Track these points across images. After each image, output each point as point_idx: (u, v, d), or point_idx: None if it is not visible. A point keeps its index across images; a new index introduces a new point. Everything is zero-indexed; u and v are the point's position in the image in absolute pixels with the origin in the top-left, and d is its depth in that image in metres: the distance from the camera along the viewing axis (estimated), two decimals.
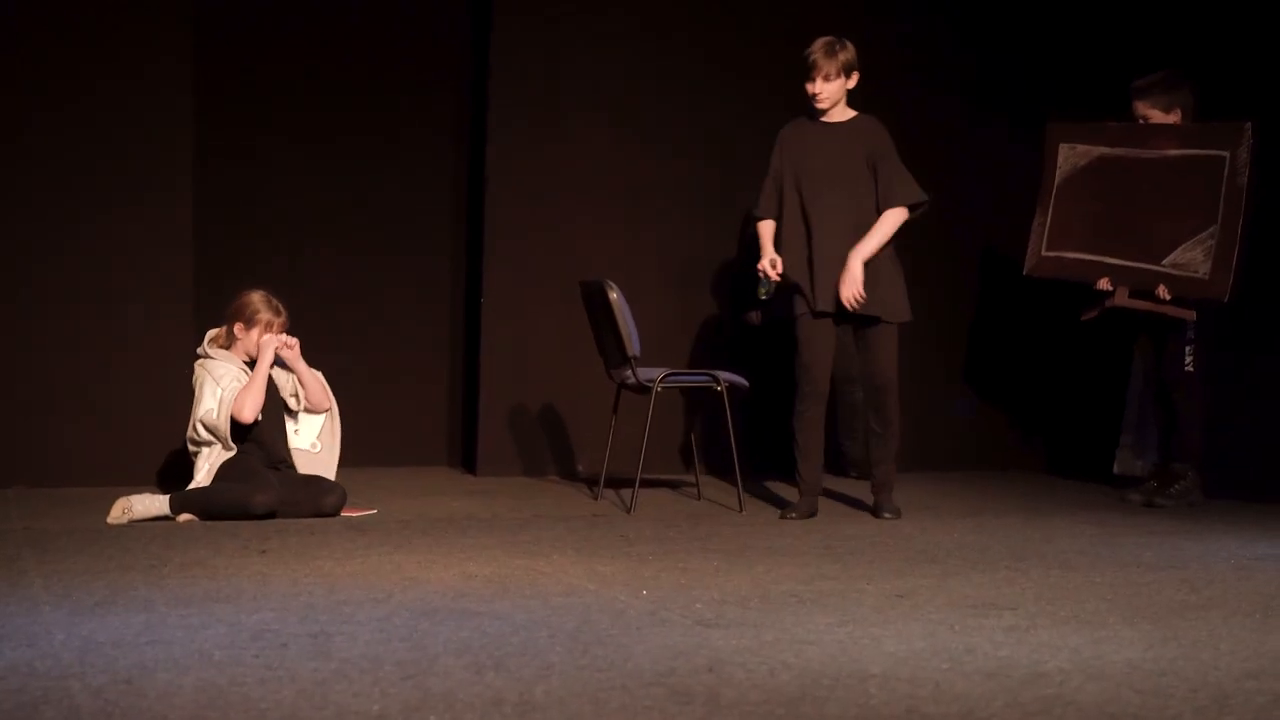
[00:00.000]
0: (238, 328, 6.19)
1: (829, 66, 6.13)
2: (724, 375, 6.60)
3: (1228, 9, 7.49)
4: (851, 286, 6.10)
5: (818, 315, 6.20)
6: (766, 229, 6.29)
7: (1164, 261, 6.74)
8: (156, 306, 6.92)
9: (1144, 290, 6.77)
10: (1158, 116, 6.80)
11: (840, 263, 6.12)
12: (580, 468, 7.57)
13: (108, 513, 5.94)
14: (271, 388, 6.21)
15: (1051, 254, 7.10)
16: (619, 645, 3.83)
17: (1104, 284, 6.85)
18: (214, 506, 5.95)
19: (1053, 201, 7.11)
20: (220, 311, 6.34)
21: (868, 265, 6.14)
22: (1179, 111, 6.80)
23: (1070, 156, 7.08)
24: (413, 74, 7.68)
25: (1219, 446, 7.08)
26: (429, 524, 5.94)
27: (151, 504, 5.98)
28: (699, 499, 6.85)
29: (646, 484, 6.67)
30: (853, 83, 6.21)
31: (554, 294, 7.36)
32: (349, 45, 7.51)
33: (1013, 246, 7.39)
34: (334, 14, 7.50)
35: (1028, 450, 8.22)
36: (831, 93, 6.16)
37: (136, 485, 6.61)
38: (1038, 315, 8.02)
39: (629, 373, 6.51)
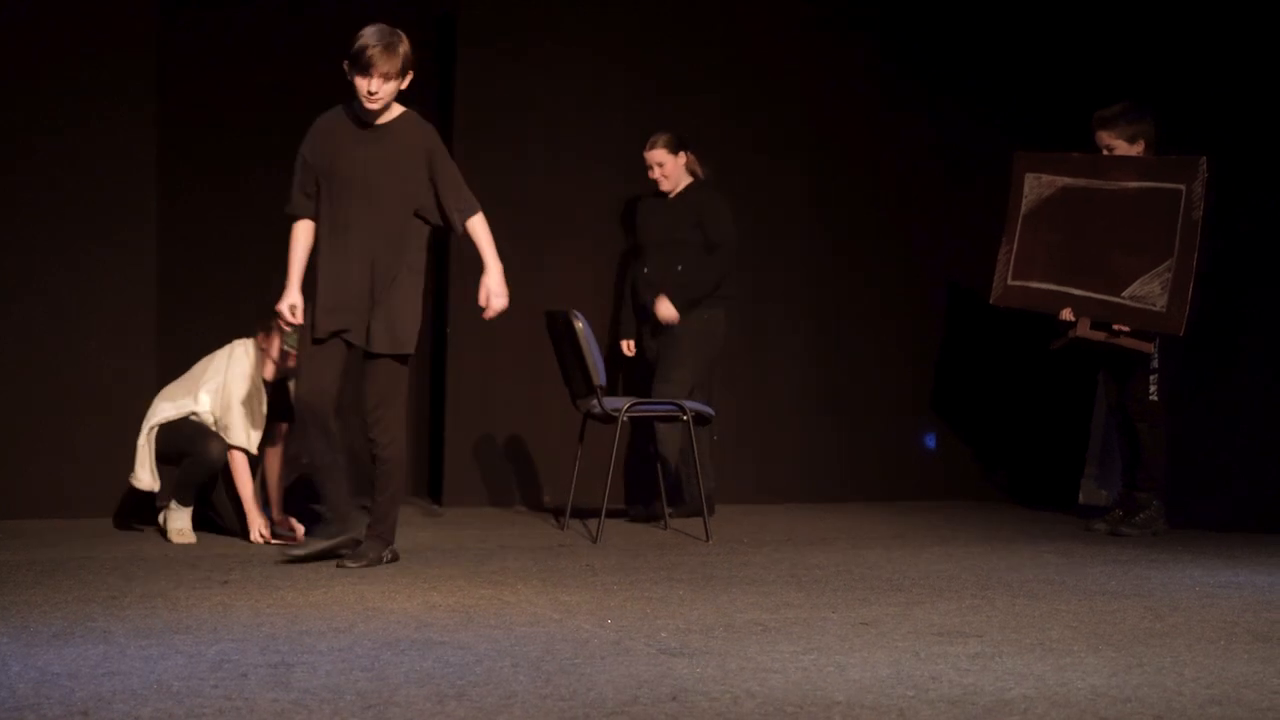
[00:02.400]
0: (260, 337, 6.26)
1: (389, 65, 5.33)
2: (690, 404, 6.59)
3: (1184, 43, 7.55)
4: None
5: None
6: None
7: (1124, 294, 6.78)
8: (119, 340, 6.86)
9: (1105, 321, 6.80)
10: (1122, 147, 6.84)
11: None
12: (546, 498, 7.55)
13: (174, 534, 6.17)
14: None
15: (1017, 284, 7.13)
16: (582, 675, 3.81)
17: (1067, 314, 6.88)
18: (186, 478, 6.13)
19: (1018, 231, 7.15)
20: (182, 346, 6.33)
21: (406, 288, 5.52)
22: (1142, 143, 6.85)
23: (1036, 186, 7.12)
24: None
25: (1182, 476, 7.11)
26: None
27: (175, 517, 6.19)
28: (665, 529, 6.83)
29: (612, 514, 6.65)
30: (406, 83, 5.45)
31: (520, 324, 7.34)
32: (311, 75, 7.46)
33: (979, 276, 7.42)
34: (298, 46, 7.47)
35: (993, 480, 8.24)
36: (389, 93, 5.40)
37: (96, 517, 6.59)
38: (1003, 345, 8.05)
39: (595, 402, 6.50)
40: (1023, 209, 7.16)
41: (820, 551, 6.23)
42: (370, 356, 5.47)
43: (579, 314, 6.47)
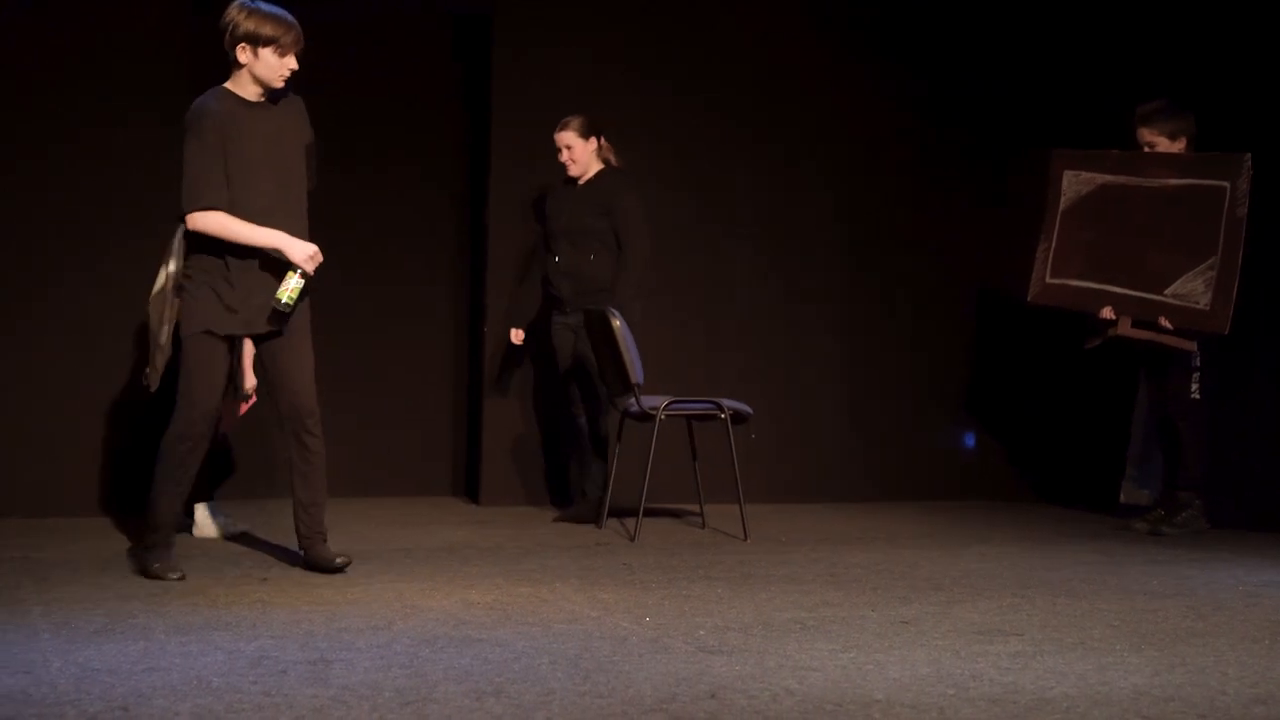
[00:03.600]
0: None
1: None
2: (727, 403, 6.58)
3: (1224, 41, 7.49)
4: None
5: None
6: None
7: (1166, 291, 6.72)
8: (145, 340, 6.86)
9: (1146, 319, 6.75)
10: (1163, 144, 6.79)
11: None
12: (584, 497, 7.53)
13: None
14: None
15: (1055, 282, 7.08)
16: (620, 672, 3.80)
17: (1107, 313, 6.84)
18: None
19: (1056, 229, 7.10)
20: None
21: None
22: (1183, 139, 6.80)
23: (1074, 183, 7.08)
24: (413, 104, 7.69)
25: (1223, 475, 7.05)
26: (430, 552, 5.90)
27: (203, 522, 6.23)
28: (703, 527, 6.82)
29: (650, 512, 6.64)
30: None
31: None
32: (346, 73, 7.48)
33: (1014, 274, 7.38)
34: (332, 41, 7.48)
35: (1032, 480, 8.18)
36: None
37: (133, 515, 6.62)
38: (1040, 344, 8.00)
39: (632, 401, 6.49)
40: (1061, 206, 7.11)
41: (858, 550, 6.20)
42: (270, 338, 5.24)
43: (616, 312, 6.46)
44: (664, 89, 7.76)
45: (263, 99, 5.24)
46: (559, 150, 6.88)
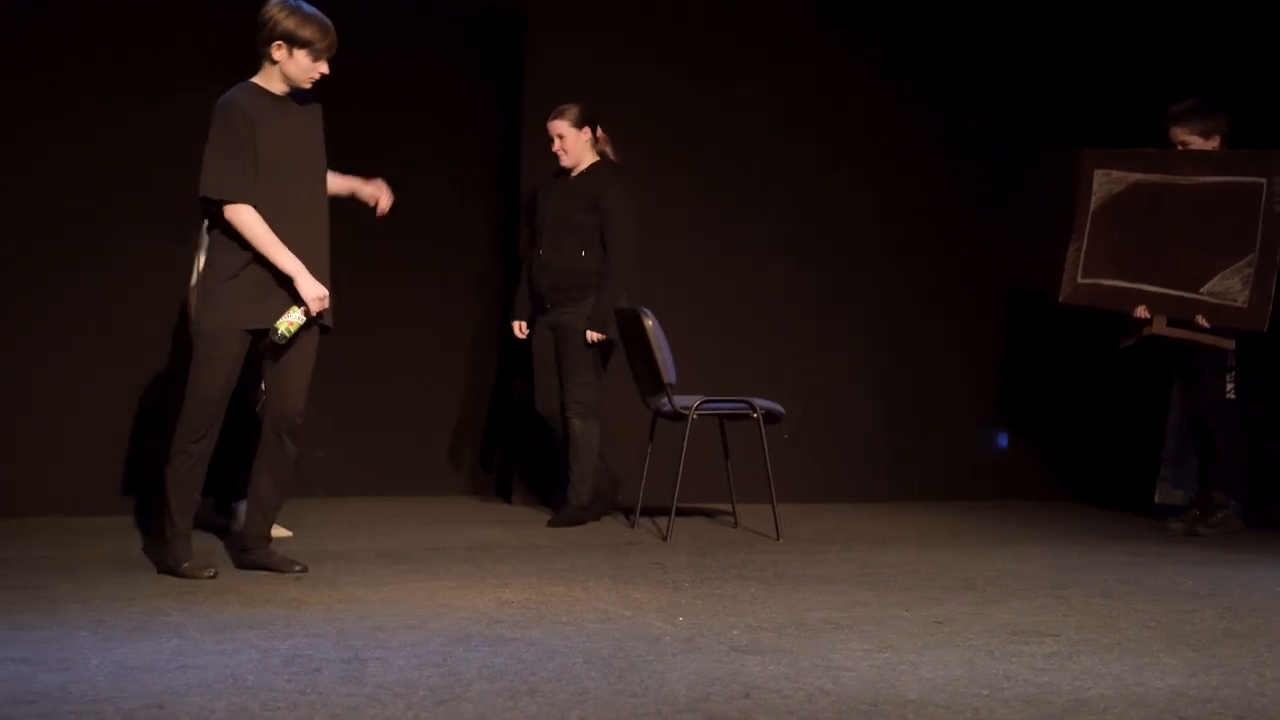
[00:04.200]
0: None
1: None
2: (759, 402, 6.57)
3: (1257, 39, 7.44)
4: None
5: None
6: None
7: (1202, 290, 6.69)
8: (181, 337, 6.89)
9: (1182, 318, 6.71)
10: (1197, 143, 6.76)
11: None
12: (616, 496, 7.53)
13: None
14: None
15: (1087, 282, 7.05)
16: (654, 671, 3.80)
17: (1141, 312, 6.80)
18: None
19: (1088, 228, 7.07)
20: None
21: None
22: (1217, 138, 6.76)
23: (1105, 183, 7.04)
24: (448, 106, 7.69)
25: (1260, 475, 7.00)
26: (463, 551, 5.91)
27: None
28: (735, 526, 6.81)
29: (682, 512, 6.64)
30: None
31: None
32: (378, 77, 7.50)
33: (1045, 274, 7.35)
34: (364, 45, 7.49)
35: (1066, 481, 8.15)
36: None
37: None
38: (1073, 344, 7.97)
39: (665, 400, 6.48)
40: (1092, 206, 7.08)
41: (891, 550, 6.18)
42: (287, 346, 5.21)
43: (648, 311, 6.46)
44: (696, 91, 7.75)
45: (287, 96, 5.24)
46: (551, 140, 6.73)
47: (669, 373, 6.44)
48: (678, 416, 6.48)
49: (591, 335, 6.67)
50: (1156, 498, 7.42)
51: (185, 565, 5.15)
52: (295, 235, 5.15)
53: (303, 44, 5.15)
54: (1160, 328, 6.76)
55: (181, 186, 6.70)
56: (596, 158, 6.79)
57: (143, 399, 6.90)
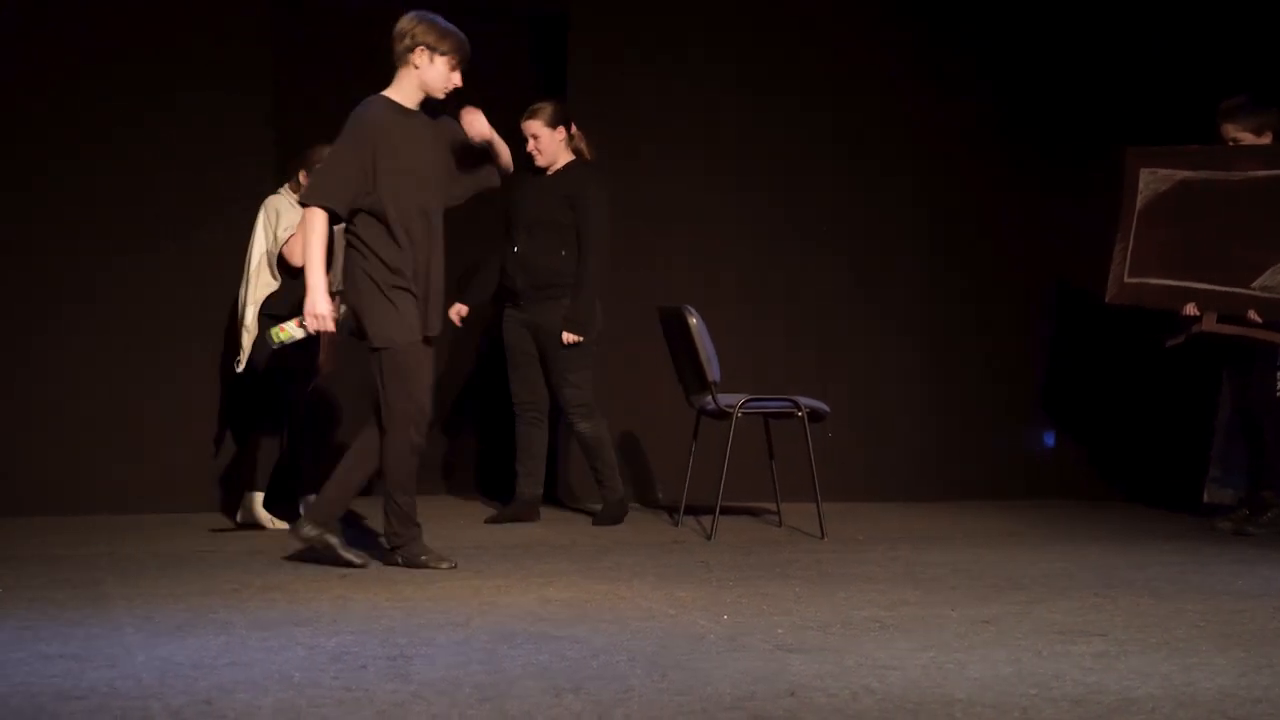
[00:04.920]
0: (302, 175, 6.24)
1: None
2: (804, 400, 6.55)
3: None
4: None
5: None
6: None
7: (1253, 285, 6.63)
8: (220, 339, 6.92)
9: (1232, 315, 6.65)
10: (1248, 138, 6.71)
11: None
12: (660, 494, 7.54)
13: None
14: None
15: (1134, 281, 7.00)
16: (698, 670, 3.79)
17: (1190, 309, 6.75)
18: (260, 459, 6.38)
19: (1134, 227, 7.01)
20: None
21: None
22: (1269, 134, 6.71)
23: (1151, 181, 6.99)
24: (490, 103, 7.68)
25: None
26: (507, 550, 5.92)
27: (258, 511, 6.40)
28: (779, 525, 6.79)
29: (726, 510, 6.63)
30: None
31: (633, 320, 7.34)
32: None
33: (1091, 274, 7.30)
34: None
35: (1113, 480, 8.09)
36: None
37: (210, 511, 6.73)
38: (1120, 343, 7.91)
39: (709, 399, 6.47)
40: (1138, 205, 7.02)
41: (936, 549, 6.16)
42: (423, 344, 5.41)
43: (692, 309, 6.45)
44: (743, 89, 7.75)
45: (419, 108, 5.39)
46: (525, 140, 6.64)
47: (713, 371, 6.43)
48: (722, 415, 6.47)
49: (568, 337, 6.62)
50: (1205, 497, 7.36)
51: (424, 558, 5.36)
52: (409, 244, 5.29)
53: (444, 53, 5.34)
54: (1210, 325, 6.70)
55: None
56: (572, 156, 6.73)
57: (192, 398, 6.94)
